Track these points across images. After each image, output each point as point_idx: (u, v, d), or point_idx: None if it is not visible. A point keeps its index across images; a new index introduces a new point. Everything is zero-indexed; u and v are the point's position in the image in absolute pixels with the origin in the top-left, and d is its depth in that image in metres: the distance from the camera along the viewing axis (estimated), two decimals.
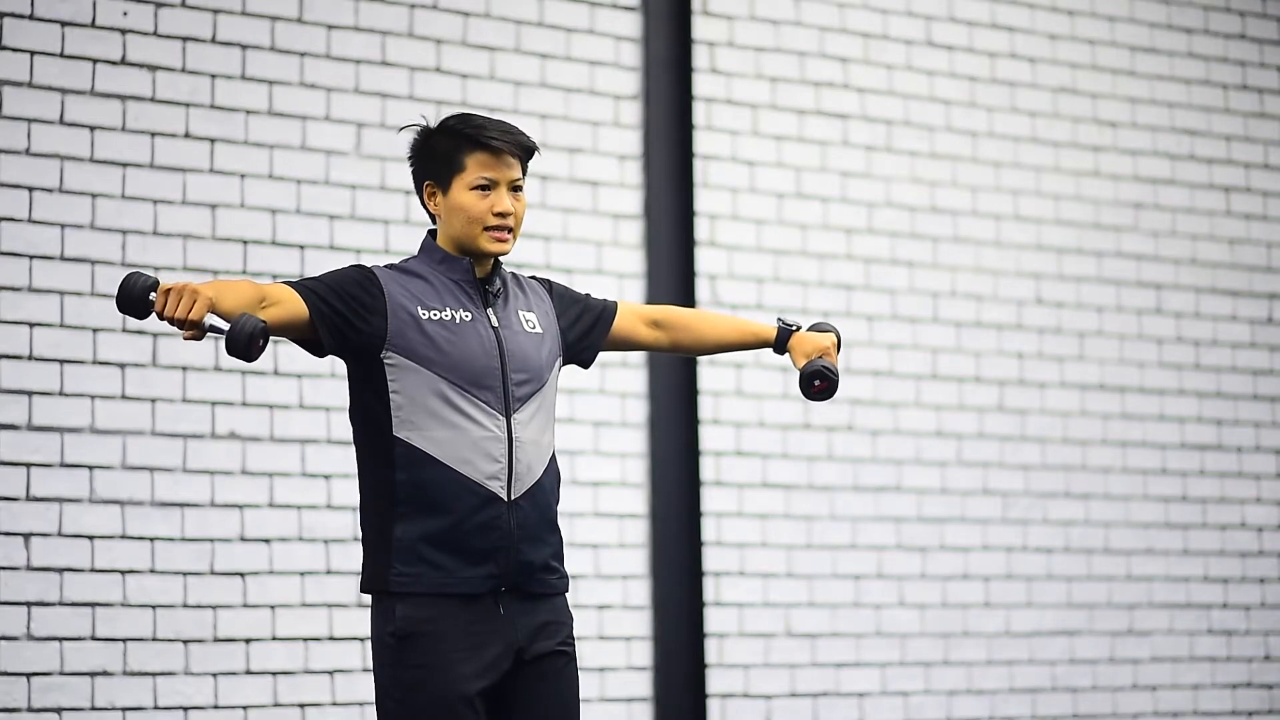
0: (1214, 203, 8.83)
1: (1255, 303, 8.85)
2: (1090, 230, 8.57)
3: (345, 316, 4.37)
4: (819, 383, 4.66)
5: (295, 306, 4.33)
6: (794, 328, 4.79)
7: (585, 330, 4.71)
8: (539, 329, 4.59)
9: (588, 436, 7.42)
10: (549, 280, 4.73)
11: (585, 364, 4.76)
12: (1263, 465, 8.79)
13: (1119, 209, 8.64)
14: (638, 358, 7.55)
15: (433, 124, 4.57)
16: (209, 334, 4.13)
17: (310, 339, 4.39)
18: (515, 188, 4.54)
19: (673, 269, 7.63)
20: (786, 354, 4.78)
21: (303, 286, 4.36)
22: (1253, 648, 8.69)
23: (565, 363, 4.68)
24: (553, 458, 4.54)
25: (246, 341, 4.08)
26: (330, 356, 4.45)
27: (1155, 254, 8.69)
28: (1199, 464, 8.67)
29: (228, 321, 4.12)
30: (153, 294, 4.10)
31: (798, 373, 4.69)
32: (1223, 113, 8.89)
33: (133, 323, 6.67)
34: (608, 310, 4.75)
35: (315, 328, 4.35)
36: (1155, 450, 8.59)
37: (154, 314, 4.12)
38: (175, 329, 4.20)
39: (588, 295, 4.77)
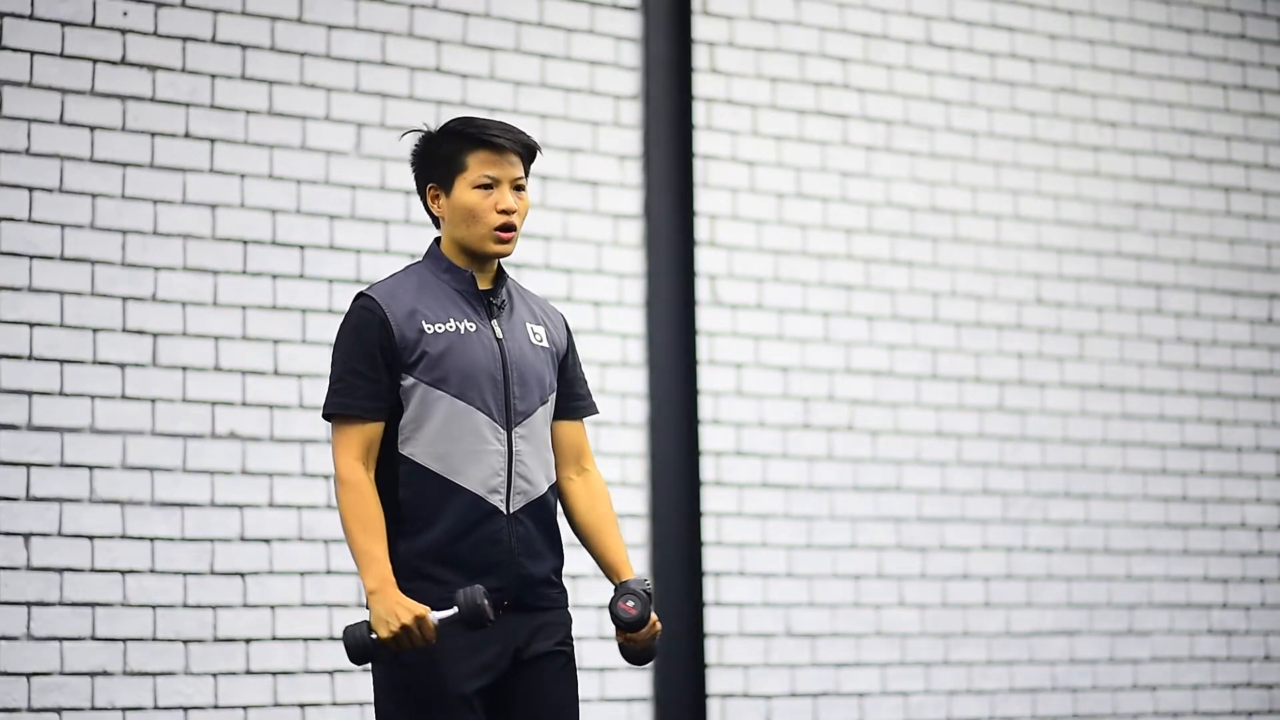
0: (1214, 203, 8.83)
1: (1255, 303, 8.85)
2: (1090, 230, 8.57)
3: (385, 389, 4.40)
4: (631, 603, 4.49)
5: (376, 439, 4.39)
6: (620, 590, 4.54)
7: (560, 385, 4.66)
8: (545, 343, 4.57)
9: (588, 436, 7.42)
10: (567, 322, 4.71)
11: None
12: (1263, 465, 8.79)
13: (1119, 209, 8.64)
14: (638, 356, 7.55)
15: (434, 129, 4.57)
16: (443, 625, 4.29)
17: None
18: (518, 186, 4.54)
19: (673, 269, 7.63)
20: (614, 591, 4.54)
21: (350, 405, 4.38)
22: (1253, 648, 8.69)
23: None
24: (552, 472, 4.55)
25: (482, 616, 4.25)
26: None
27: (1155, 254, 8.69)
28: (1199, 464, 8.67)
29: (449, 605, 4.28)
30: (374, 635, 4.26)
31: (610, 608, 4.55)
32: (1223, 113, 8.89)
33: (133, 322, 6.67)
34: (586, 404, 4.70)
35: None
36: (1155, 450, 8.59)
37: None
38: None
39: (585, 380, 4.73)
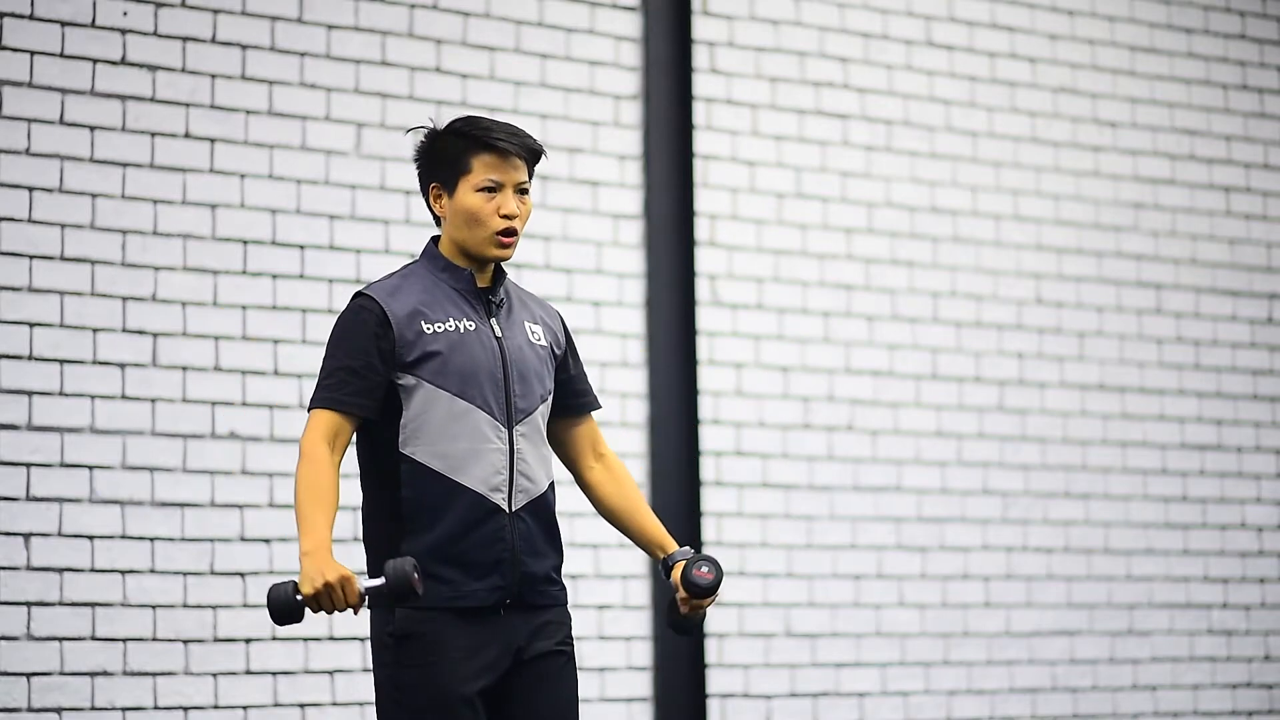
0: (1214, 203, 8.83)
1: (1255, 303, 8.85)
2: (1090, 230, 8.57)
3: (376, 386, 4.38)
4: (705, 569, 4.51)
5: (348, 432, 4.38)
6: (693, 558, 4.58)
7: (564, 383, 4.65)
8: (544, 341, 4.58)
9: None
10: (564, 318, 4.71)
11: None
12: (1263, 465, 8.79)
13: (1119, 209, 8.64)
14: (638, 356, 7.55)
15: (439, 125, 4.57)
16: (370, 594, 4.25)
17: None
18: (521, 190, 4.54)
19: (673, 269, 7.63)
20: (670, 571, 4.59)
21: (336, 400, 4.36)
22: (1253, 648, 8.69)
23: None
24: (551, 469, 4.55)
25: (409, 588, 4.20)
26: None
27: (1155, 254, 8.69)
28: (1199, 464, 8.67)
29: (378, 575, 4.24)
30: (298, 596, 4.20)
31: (677, 580, 4.55)
32: (1223, 113, 8.89)
33: (133, 322, 6.67)
34: (590, 399, 4.70)
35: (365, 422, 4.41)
36: (1155, 450, 8.59)
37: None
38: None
39: (586, 376, 4.73)
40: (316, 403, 4.38)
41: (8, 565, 6.42)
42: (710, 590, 4.53)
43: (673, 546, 4.63)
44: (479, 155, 4.49)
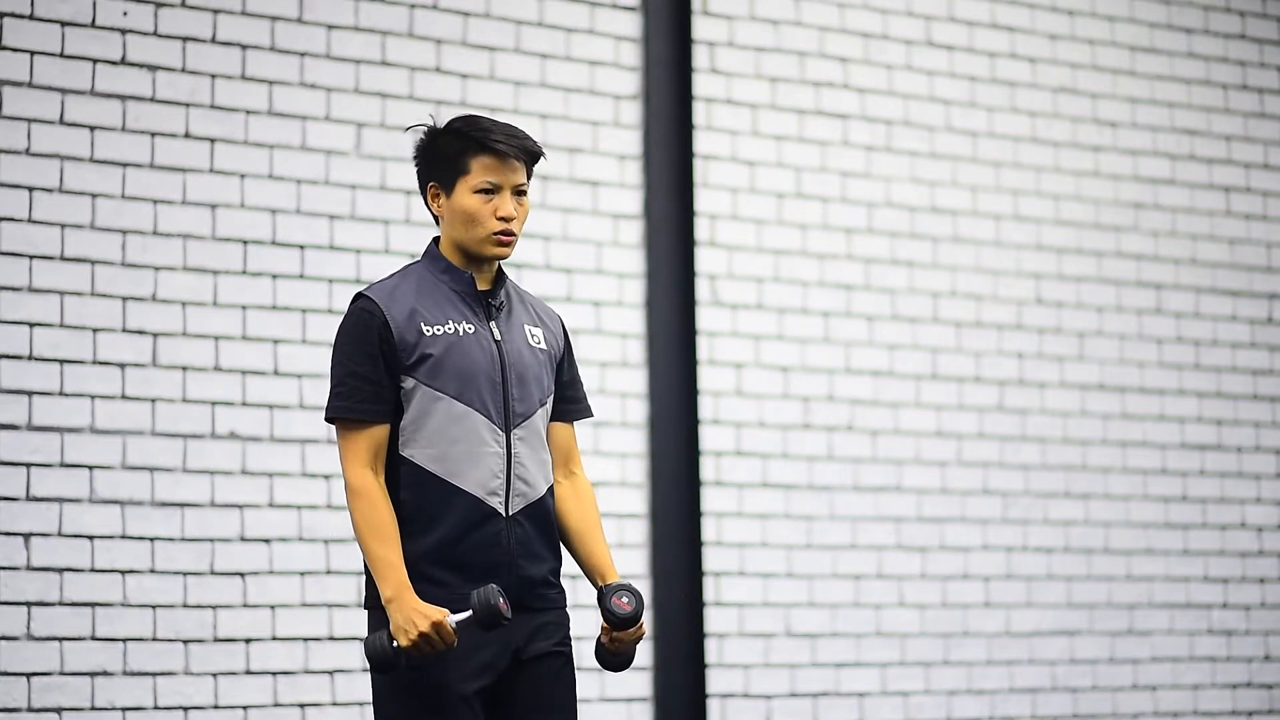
0: (1214, 203, 8.83)
1: (1255, 303, 8.85)
2: (1090, 230, 8.57)
3: (386, 389, 4.40)
4: (625, 599, 4.45)
5: (383, 440, 4.39)
6: (614, 587, 4.51)
7: (556, 387, 4.64)
8: (543, 345, 4.57)
9: (588, 436, 7.42)
10: (564, 322, 4.71)
11: None
12: (1263, 465, 8.79)
13: (1119, 209, 8.64)
14: (638, 356, 7.55)
15: (439, 124, 4.56)
16: (462, 627, 4.30)
17: None
18: (519, 192, 4.54)
19: (673, 269, 7.63)
20: (601, 599, 4.51)
21: (352, 409, 4.38)
22: (1253, 648, 8.69)
23: None
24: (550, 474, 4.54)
25: (497, 614, 4.26)
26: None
27: (1155, 254, 8.69)
28: (1199, 464, 8.67)
29: (461, 607, 4.29)
30: (395, 643, 4.28)
31: (603, 604, 4.49)
32: (1223, 113, 8.89)
33: (133, 322, 6.67)
34: (581, 407, 4.68)
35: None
36: (1155, 450, 8.59)
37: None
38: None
39: (582, 383, 4.72)
40: (335, 412, 4.39)
41: (8, 565, 6.42)
42: (627, 622, 4.45)
43: (614, 578, 4.55)
44: (477, 157, 4.49)
